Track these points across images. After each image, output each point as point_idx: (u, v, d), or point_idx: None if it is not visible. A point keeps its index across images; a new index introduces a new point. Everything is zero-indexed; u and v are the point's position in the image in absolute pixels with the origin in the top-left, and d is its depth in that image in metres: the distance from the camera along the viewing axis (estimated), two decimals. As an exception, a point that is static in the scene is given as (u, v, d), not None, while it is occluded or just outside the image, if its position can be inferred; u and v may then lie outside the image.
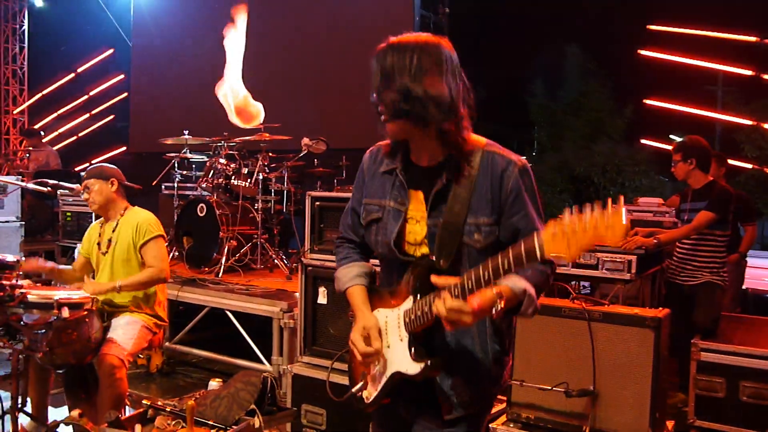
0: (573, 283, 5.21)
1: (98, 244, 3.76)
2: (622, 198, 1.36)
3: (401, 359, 1.76)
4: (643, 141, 9.35)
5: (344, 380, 2.08)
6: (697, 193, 4.36)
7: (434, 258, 1.74)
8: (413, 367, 1.73)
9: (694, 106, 7.79)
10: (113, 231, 3.72)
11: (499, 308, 1.60)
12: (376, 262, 1.98)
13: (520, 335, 3.27)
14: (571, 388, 3.07)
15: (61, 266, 3.95)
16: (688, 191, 4.48)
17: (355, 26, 8.09)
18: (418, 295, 1.72)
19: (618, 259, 4.20)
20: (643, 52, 7.91)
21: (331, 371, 2.49)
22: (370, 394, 1.87)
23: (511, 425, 3.27)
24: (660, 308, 3.15)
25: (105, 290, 3.51)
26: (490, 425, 3.30)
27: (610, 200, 1.36)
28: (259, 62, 8.44)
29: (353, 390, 1.92)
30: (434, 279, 1.67)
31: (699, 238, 4.30)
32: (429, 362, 1.71)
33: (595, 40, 8.71)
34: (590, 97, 11.67)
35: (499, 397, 3.52)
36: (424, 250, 1.79)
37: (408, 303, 1.76)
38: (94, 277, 3.80)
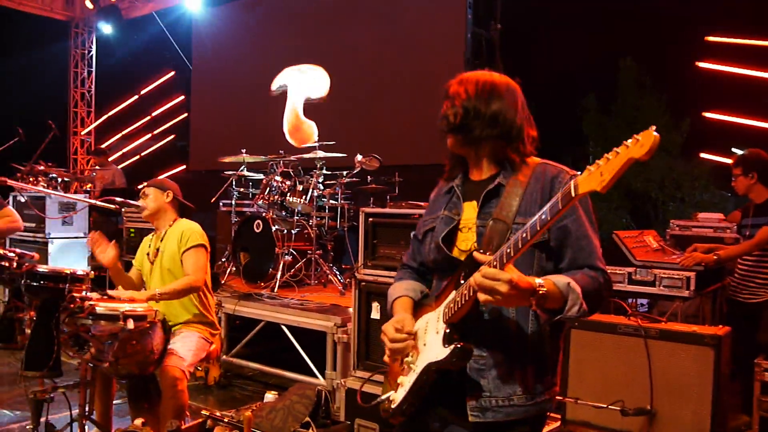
0: (630, 300, 5.11)
1: (148, 254, 3.92)
2: (653, 126, 1.37)
3: (434, 350, 1.74)
4: (702, 155, 9.10)
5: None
6: (759, 207, 4.24)
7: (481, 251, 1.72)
8: (442, 352, 1.70)
9: (756, 118, 7.56)
10: (161, 241, 3.86)
11: (539, 294, 1.58)
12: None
13: (574, 352, 3.24)
14: (627, 407, 3.03)
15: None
16: (749, 206, 4.36)
17: (408, 43, 8.18)
18: (462, 283, 1.72)
19: (676, 276, 4.11)
20: (701, 64, 7.74)
21: (368, 382, 2.50)
22: (398, 396, 1.84)
23: (566, 443, 3.23)
24: (720, 326, 3.08)
25: (144, 299, 3.62)
26: (544, 443, 3.27)
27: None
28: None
29: (382, 397, 1.91)
30: (476, 254, 1.66)
31: (762, 255, 4.17)
32: (457, 345, 1.67)
33: (650, 53, 8.55)
34: (645, 111, 11.44)
35: (553, 415, 3.50)
36: None
37: (450, 296, 1.76)
38: (144, 288, 3.94)
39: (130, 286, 3.90)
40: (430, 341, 1.79)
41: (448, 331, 1.71)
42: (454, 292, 1.75)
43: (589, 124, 12.50)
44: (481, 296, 1.59)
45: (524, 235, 1.56)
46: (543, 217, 1.53)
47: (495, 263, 1.59)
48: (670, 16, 7.76)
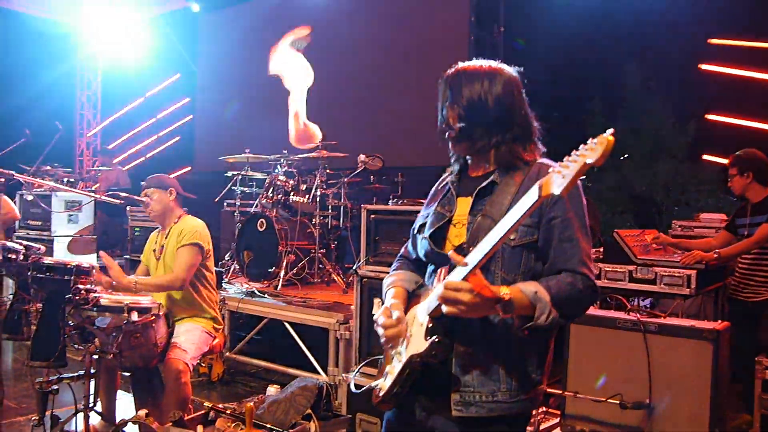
0: (632, 299, 5.13)
1: (154, 250, 3.96)
2: (610, 130, 1.39)
3: (417, 342, 1.77)
4: (706, 157, 9.09)
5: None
6: (756, 206, 4.26)
7: (466, 246, 1.72)
8: (422, 345, 1.72)
9: (760, 120, 7.56)
10: (165, 238, 3.91)
11: (503, 302, 1.59)
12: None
13: (573, 346, 3.27)
14: (626, 401, 3.04)
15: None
16: (745, 205, 4.38)
17: (411, 46, 8.22)
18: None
19: (677, 274, 4.12)
20: (704, 67, 7.76)
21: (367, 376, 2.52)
22: (385, 384, 1.87)
23: (565, 437, 3.25)
24: (719, 321, 3.10)
25: (123, 285, 3.61)
26: (543, 437, 3.29)
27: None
28: (317, 81, 8.67)
29: (372, 384, 1.93)
30: (451, 255, 1.65)
31: (761, 253, 4.19)
32: (436, 339, 1.70)
33: (654, 57, 8.56)
34: (651, 115, 11.44)
35: (552, 411, 3.51)
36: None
37: (438, 289, 1.74)
38: None
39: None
40: (416, 333, 1.80)
41: (430, 325, 1.73)
42: (440, 287, 1.75)
43: (594, 129, 12.43)
44: (445, 308, 1.61)
45: (490, 242, 1.55)
46: (510, 219, 1.53)
47: (463, 273, 1.60)
48: (674, 19, 7.76)
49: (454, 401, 1.76)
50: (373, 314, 2.01)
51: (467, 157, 1.94)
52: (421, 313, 1.83)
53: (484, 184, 1.83)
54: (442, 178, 2.06)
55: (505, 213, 1.71)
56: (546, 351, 1.84)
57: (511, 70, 1.89)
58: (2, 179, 3.06)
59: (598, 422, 3.18)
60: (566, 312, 1.69)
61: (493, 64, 1.90)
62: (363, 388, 1.99)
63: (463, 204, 1.89)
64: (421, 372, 1.78)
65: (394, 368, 1.85)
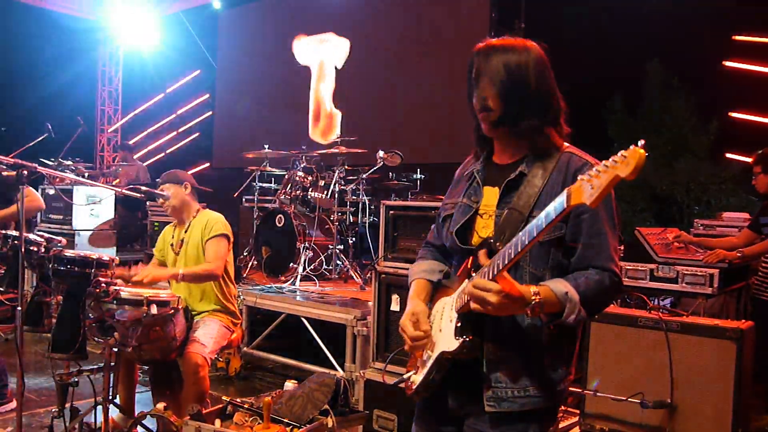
0: (652, 299, 5.07)
1: (171, 245, 3.98)
2: (641, 142, 1.35)
3: (447, 339, 1.77)
4: (728, 155, 8.95)
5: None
6: (781, 205, 4.20)
7: (493, 241, 1.71)
8: (453, 344, 1.72)
9: (784, 118, 7.44)
10: (185, 231, 3.92)
11: (533, 303, 1.58)
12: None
13: (594, 345, 3.23)
14: (647, 400, 3.00)
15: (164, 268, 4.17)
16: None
17: (431, 42, 8.19)
18: (473, 276, 1.72)
19: (699, 273, 4.07)
20: (728, 64, 7.64)
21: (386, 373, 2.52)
22: (416, 379, 1.88)
23: (585, 436, 3.21)
24: (743, 320, 3.04)
25: (166, 276, 3.67)
26: (562, 436, 3.26)
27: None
28: (336, 77, 8.67)
29: (404, 377, 1.94)
30: (481, 257, 1.65)
31: (786, 252, 4.12)
32: (466, 339, 1.70)
33: (677, 54, 8.44)
34: (672, 113, 11.28)
35: (571, 410, 3.48)
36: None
37: (464, 285, 1.75)
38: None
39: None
40: (445, 328, 1.81)
41: (459, 324, 1.74)
42: (466, 281, 1.76)
43: (615, 127, 12.36)
44: (472, 305, 1.62)
45: (518, 246, 1.54)
46: (539, 223, 1.50)
47: (488, 272, 1.60)
48: (697, 16, 7.66)
49: (487, 397, 1.76)
50: (392, 310, 1.99)
51: (494, 140, 1.88)
52: (448, 308, 1.82)
53: (512, 176, 1.80)
54: (465, 163, 2.02)
55: (533, 206, 1.71)
56: (574, 342, 1.84)
57: (540, 50, 1.82)
58: (26, 171, 3.08)
59: (618, 421, 3.14)
60: (592, 309, 1.68)
61: (523, 40, 1.82)
62: (396, 381, 1.99)
63: (490, 194, 1.85)
64: (451, 366, 1.78)
65: (425, 362, 1.85)
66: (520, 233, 1.55)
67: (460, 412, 1.86)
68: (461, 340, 1.71)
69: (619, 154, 1.35)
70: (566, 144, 1.83)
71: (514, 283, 1.59)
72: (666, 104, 11.99)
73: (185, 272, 3.70)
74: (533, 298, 1.59)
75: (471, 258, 1.76)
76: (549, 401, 1.78)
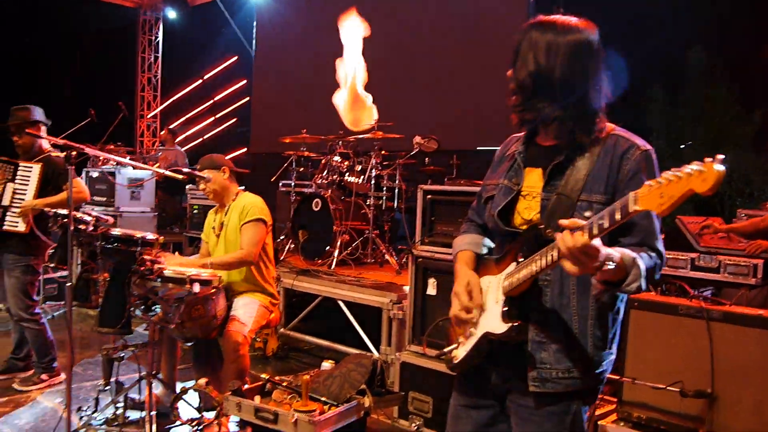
0: (694, 289, 4.99)
1: (213, 228, 4.06)
2: (719, 157, 1.30)
3: (493, 320, 1.78)
4: (773, 146, 8.71)
5: (445, 369, 2.09)
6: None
7: (542, 227, 1.72)
8: (501, 327, 1.74)
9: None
10: (225, 215, 3.99)
11: (611, 265, 1.54)
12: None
13: (633, 332, 3.19)
14: (686, 389, 2.97)
15: (190, 257, 4.27)
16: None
17: (469, 27, 8.13)
18: (521, 259, 1.73)
19: (742, 263, 3.99)
20: (773, 52, 7.44)
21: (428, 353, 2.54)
22: (459, 354, 1.90)
23: (622, 424, 3.18)
24: (788, 311, 2.98)
25: (196, 267, 3.74)
26: (599, 422, 3.25)
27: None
28: (373, 62, 8.67)
29: (446, 350, 1.96)
30: (561, 221, 1.54)
31: (834, 244, 4.02)
32: (515, 324, 1.72)
33: (719, 41, 8.23)
34: (715, 102, 11.01)
35: (608, 398, 3.46)
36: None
37: (510, 267, 1.77)
38: None
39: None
40: (490, 308, 1.82)
41: (506, 308, 1.75)
42: (513, 264, 1.76)
43: (654, 116, 12.13)
44: (568, 262, 1.53)
45: (599, 223, 1.48)
46: (601, 223, 1.46)
47: (585, 232, 1.50)
48: (741, 2, 7.46)
49: (531, 378, 1.78)
50: (429, 294, 2.01)
51: (536, 121, 1.85)
52: (494, 288, 1.83)
53: (559, 160, 1.79)
54: (507, 142, 2.02)
55: (581, 190, 1.72)
56: (616, 322, 1.83)
57: (592, 29, 1.79)
58: (74, 153, 3.18)
59: (657, 410, 3.10)
60: (646, 285, 1.65)
61: (575, 20, 1.80)
62: (437, 354, 2.02)
63: (532, 175, 1.85)
64: (495, 345, 1.81)
65: (468, 339, 1.87)
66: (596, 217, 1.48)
67: (502, 388, 1.88)
68: (510, 324, 1.73)
69: (693, 164, 1.30)
70: (611, 125, 1.83)
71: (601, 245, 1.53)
72: (708, 93, 11.71)
73: (214, 261, 3.77)
74: (611, 258, 1.54)
75: (517, 244, 1.76)
76: (592, 382, 1.81)
